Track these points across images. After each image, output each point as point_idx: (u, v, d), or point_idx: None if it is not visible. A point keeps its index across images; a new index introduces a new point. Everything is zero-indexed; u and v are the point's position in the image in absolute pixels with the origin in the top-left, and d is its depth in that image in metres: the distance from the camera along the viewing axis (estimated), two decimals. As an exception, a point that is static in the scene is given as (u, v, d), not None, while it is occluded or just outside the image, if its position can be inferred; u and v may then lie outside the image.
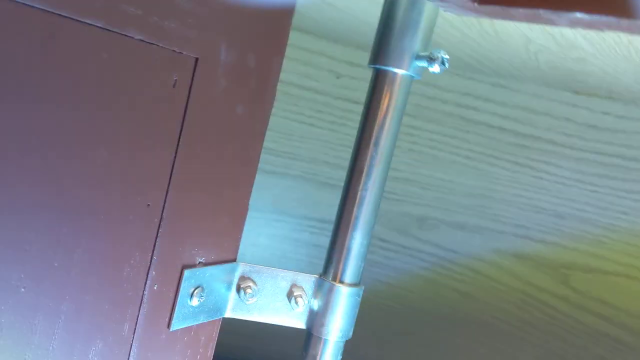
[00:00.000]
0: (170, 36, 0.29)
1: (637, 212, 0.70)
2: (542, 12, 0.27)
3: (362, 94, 0.81)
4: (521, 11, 0.28)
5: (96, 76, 0.27)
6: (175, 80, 0.30)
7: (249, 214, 0.89)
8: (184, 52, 0.30)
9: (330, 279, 0.39)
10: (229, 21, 0.32)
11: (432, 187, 0.82)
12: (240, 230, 0.38)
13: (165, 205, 0.32)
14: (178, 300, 0.34)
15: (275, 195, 0.84)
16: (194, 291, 0.35)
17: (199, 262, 0.35)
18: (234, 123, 0.34)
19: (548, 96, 0.76)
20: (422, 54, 0.37)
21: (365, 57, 0.78)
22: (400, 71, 0.38)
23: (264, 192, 0.84)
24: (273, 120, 0.81)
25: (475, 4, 0.29)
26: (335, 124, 0.82)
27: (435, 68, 0.37)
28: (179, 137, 0.31)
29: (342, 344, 0.40)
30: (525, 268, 0.78)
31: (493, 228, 0.80)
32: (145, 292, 0.33)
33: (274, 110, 0.81)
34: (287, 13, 0.35)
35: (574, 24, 0.27)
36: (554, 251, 0.76)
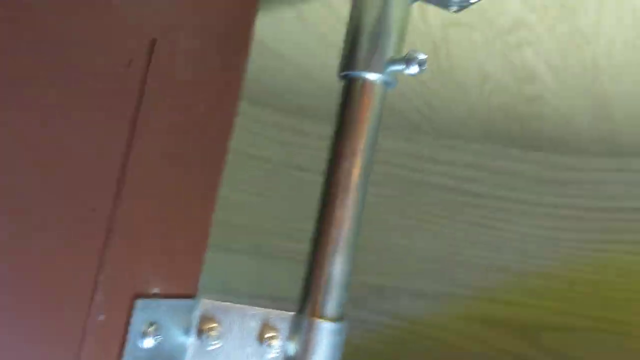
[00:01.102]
0: (125, 9, 0.25)
1: (600, 262, 0.68)
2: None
3: (310, 162, 0.78)
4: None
5: (37, 43, 0.23)
6: (130, 59, 0.26)
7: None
8: (140, 30, 0.26)
9: (308, 314, 0.34)
10: (189, 5, 0.28)
11: (388, 254, 0.78)
12: (202, 259, 0.32)
13: (115, 212, 0.26)
14: (129, 338, 0.27)
15: (221, 273, 0.78)
16: (147, 329, 0.29)
17: (154, 293, 0.29)
18: (197, 121, 0.29)
19: (497, 153, 0.75)
20: (397, 57, 0.35)
21: (311, 124, 0.76)
22: (374, 76, 0.35)
23: (209, 269, 0.77)
24: (220, 191, 0.77)
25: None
26: (285, 193, 0.77)
27: (413, 70, 0.34)
28: (133, 128, 0.26)
29: (325, 396, 0.34)
30: (494, 333, 0.73)
31: (455, 293, 0.76)
32: (89, 324, 0.26)
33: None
34: (249, 8, 0.32)
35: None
36: (521, 312, 0.72)
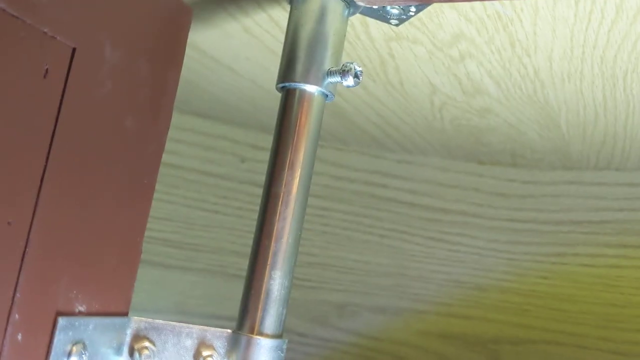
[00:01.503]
0: (40, 13, 0.25)
1: (556, 275, 0.69)
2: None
3: (267, 178, 0.78)
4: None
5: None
6: (47, 69, 0.25)
7: (146, 316, 0.79)
8: (58, 38, 0.25)
9: (246, 331, 0.33)
10: (113, 14, 0.28)
11: (348, 271, 0.77)
12: (133, 275, 0.31)
13: (33, 225, 0.25)
14: (51, 358, 0.26)
15: (177, 293, 0.76)
16: (72, 348, 0.28)
17: (79, 311, 0.28)
18: (123, 136, 0.29)
19: (454, 168, 0.76)
20: (334, 68, 0.34)
21: (270, 139, 0.76)
22: (311, 88, 0.34)
23: (164, 290, 0.75)
24: (173, 209, 0.76)
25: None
26: (242, 209, 0.77)
27: (349, 81, 0.34)
28: (52, 140, 0.25)
29: (265, 415, 0.33)
30: (452, 348, 0.73)
31: (415, 308, 0.75)
32: (5, 345, 0.25)
33: (173, 198, 0.76)
34: (182, 21, 0.32)
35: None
36: (480, 326, 0.72)
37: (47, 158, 0.25)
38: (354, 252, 0.77)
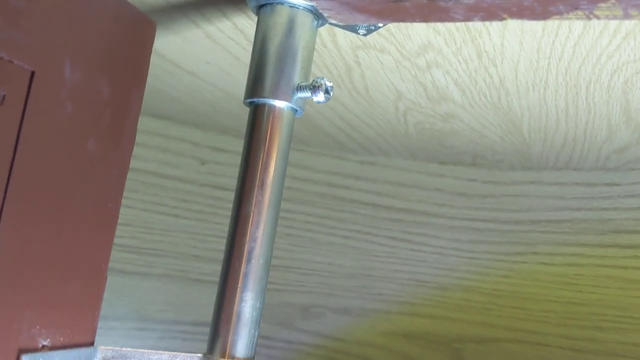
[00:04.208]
0: (-5, 37, 0.23)
1: (517, 274, 0.70)
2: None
3: (230, 180, 0.76)
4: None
5: None
6: (4, 95, 0.24)
7: (105, 324, 0.77)
8: (15, 61, 0.24)
9: (217, 355, 0.32)
10: (73, 33, 0.26)
11: (312, 272, 0.77)
12: (98, 304, 0.30)
13: (-8, 262, 0.24)
14: (13, 400, 0.25)
15: (137, 299, 0.74)
16: (36, 386, 0.26)
17: (43, 346, 0.27)
18: (85, 161, 0.27)
19: (416, 169, 0.76)
20: (304, 83, 0.34)
21: (230, 141, 0.75)
22: (281, 103, 0.34)
23: (124, 296, 0.73)
24: (131, 213, 0.74)
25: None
26: (203, 213, 0.75)
27: (320, 97, 0.33)
28: (10, 169, 0.24)
29: None
30: (417, 348, 0.74)
31: (379, 309, 0.75)
32: (-38, 390, 0.23)
33: (131, 202, 0.74)
34: (145, 39, 0.30)
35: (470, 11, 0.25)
36: (443, 325, 0.73)
37: (7, 187, 0.24)
38: (318, 254, 0.77)
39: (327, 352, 0.77)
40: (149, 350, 0.31)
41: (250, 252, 0.32)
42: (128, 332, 0.74)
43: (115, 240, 0.76)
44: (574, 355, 0.65)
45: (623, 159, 0.62)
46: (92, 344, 0.30)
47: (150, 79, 0.56)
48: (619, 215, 0.66)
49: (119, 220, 0.73)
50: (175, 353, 0.32)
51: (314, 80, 0.33)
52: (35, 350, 0.26)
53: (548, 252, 0.69)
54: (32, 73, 0.25)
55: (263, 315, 0.75)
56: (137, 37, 0.30)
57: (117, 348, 0.30)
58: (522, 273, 0.70)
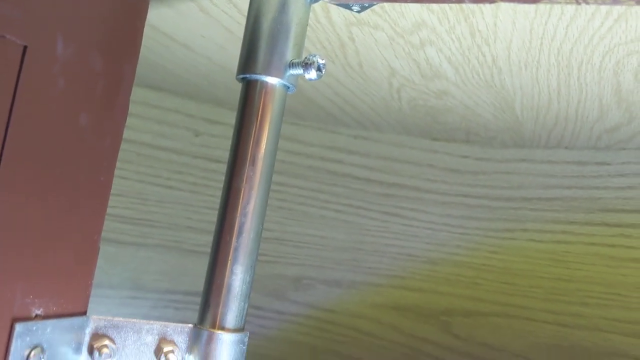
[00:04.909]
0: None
1: (506, 250, 0.71)
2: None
3: (223, 152, 0.77)
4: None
5: None
6: (-3, 70, 0.24)
7: (100, 292, 0.78)
8: (7, 36, 0.24)
9: (208, 326, 0.33)
10: (65, 7, 0.26)
11: (304, 245, 0.78)
12: (91, 274, 0.30)
13: (-15, 234, 0.24)
14: (8, 366, 0.26)
15: (131, 269, 0.75)
16: (30, 353, 0.27)
17: (36, 315, 0.27)
18: (78, 134, 0.28)
19: (409, 144, 0.76)
20: (296, 60, 0.34)
21: (224, 113, 0.74)
22: (273, 80, 0.34)
23: (119, 266, 0.74)
24: (126, 184, 0.74)
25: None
26: (197, 185, 0.76)
27: (312, 74, 0.33)
28: (3, 144, 0.24)
29: (226, 408, 0.33)
30: (406, 320, 0.75)
31: (369, 282, 0.77)
32: (-42, 357, 0.24)
33: (126, 174, 0.74)
34: (138, 12, 0.30)
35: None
36: (432, 299, 0.74)
37: (0, 160, 0.24)
38: (310, 227, 0.77)
39: (318, 322, 0.78)
40: (141, 320, 0.32)
41: (240, 227, 0.33)
42: (122, 300, 0.75)
43: (110, 211, 0.76)
44: (558, 329, 0.67)
45: (614, 138, 0.62)
46: (84, 313, 0.31)
47: (144, 52, 0.56)
48: (609, 194, 0.67)
49: (114, 191, 0.73)
50: (166, 323, 0.33)
51: (306, 58, 0.33)
52: (28, 319, 0.27)
53: (537, 229, 0.70)
54: (25, 48, 0.25)
55: (255, 286, 0.76)
56: (130, 10, 0.30)
57: (109, 318, 0.31)
58: (512, 249, 0.71)
